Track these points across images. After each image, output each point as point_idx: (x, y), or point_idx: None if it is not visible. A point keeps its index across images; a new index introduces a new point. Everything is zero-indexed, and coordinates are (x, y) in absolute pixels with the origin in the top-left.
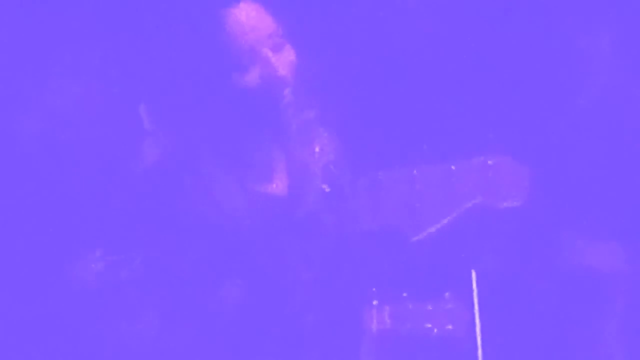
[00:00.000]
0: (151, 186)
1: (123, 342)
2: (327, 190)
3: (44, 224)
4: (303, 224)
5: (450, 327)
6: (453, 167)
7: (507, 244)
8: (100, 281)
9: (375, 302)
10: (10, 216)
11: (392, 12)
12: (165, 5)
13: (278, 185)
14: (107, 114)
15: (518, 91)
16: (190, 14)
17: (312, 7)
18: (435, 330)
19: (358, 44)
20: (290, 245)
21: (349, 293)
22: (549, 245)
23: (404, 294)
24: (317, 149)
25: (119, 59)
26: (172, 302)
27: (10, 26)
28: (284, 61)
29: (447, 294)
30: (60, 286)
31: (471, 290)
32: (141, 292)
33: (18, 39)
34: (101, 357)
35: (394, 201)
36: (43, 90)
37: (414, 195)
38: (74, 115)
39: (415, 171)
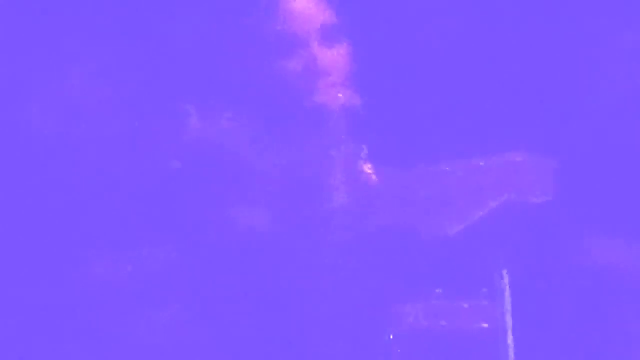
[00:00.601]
0: (179, 181)
1: (148, 332)
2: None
3: (71, 220)
4: (335, 220)
5: (485, 325)
6: (482, 164)
7: (536, 238)
8: (126, 274)
9: (408, 302)
10: (40, 212)
11: (431, 17)
12: None
13: (311, 182)
14: (138, 108)
15: (547, 89)
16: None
17: (374, 8)
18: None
19: (399, 45)
20: (322, 242)
21: (381, 290)
22: (577, 239)
23: (438, 291)
24: (343, 148)
25: (159, 43)
26: (198, 294)
27: (31, 27)
28: (332, 56)
29: (484, 290)
30: (87, 279)
31: (503, 287)
32: (167, 284)
33: (39, 39)
34: (129, 346)
35: (425, 198)
36: (67, 88)
37: (445, 192)
38: (100, 111)
39: (447, 168)
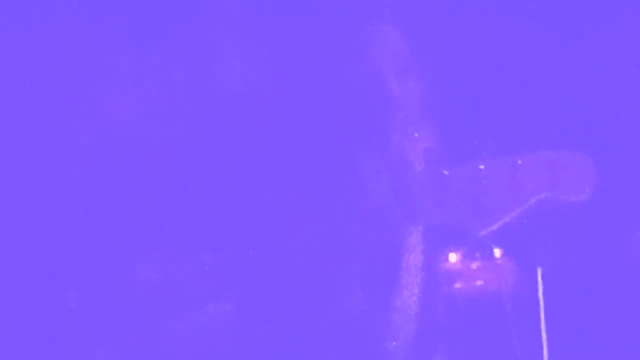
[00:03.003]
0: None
1: (195, 331)
2: (446, 173)
3: (114, 224)
4: (370, 217)
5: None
6: (520, 162)
7: (573, 238)
8: (172, 273)
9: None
10: (85, 215)
11: (470, 15)
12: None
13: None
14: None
15: (584, 85)
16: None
17: (450, 44)
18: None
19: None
20: (357, 238)
21: (414, 284)
22: (616, 239)
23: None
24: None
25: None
26: (246, 293)
27: (67, 33)
28: (405, 91)
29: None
30: (133, 279)
31: (536, 286)
32: (214, 282)
33: (75, 45)
34: (174, 346)
35: (461, 196)
36: (109, 94)
37: (481, 190)
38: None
39: (482, 166)
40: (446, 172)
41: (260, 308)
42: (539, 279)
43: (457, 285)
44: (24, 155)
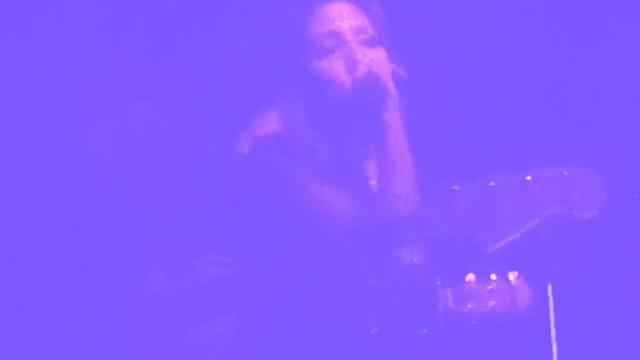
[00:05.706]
0: (234, 186)
1: (200, 344)
2: (456, 188)
3: (122, 232)
4: (380, 232)
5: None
6: (528, 178)
7: (583, 255)
8: (177, 285)
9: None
10: (90, 224)
11: (478, 20)
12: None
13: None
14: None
15: (595, 101)
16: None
17: (408, 12)
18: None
19: (441, 51)
20: (365, 251)
21: (421, 297)
22: (625, 255)
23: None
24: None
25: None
26: (250, 304)
27: (78, 43)
28: (372, 58)
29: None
30: (139, 290)
31: (547, 302)
32: (218, 295)
33: (86, 55)
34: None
35: (470, 212)
36: (114, 103)
37: (490, 206)
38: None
39: (492, 183)
40: (456, 188)
41: (265, 319)
42: (550, 295)
43: (470, 306)
44: (33, 162)
